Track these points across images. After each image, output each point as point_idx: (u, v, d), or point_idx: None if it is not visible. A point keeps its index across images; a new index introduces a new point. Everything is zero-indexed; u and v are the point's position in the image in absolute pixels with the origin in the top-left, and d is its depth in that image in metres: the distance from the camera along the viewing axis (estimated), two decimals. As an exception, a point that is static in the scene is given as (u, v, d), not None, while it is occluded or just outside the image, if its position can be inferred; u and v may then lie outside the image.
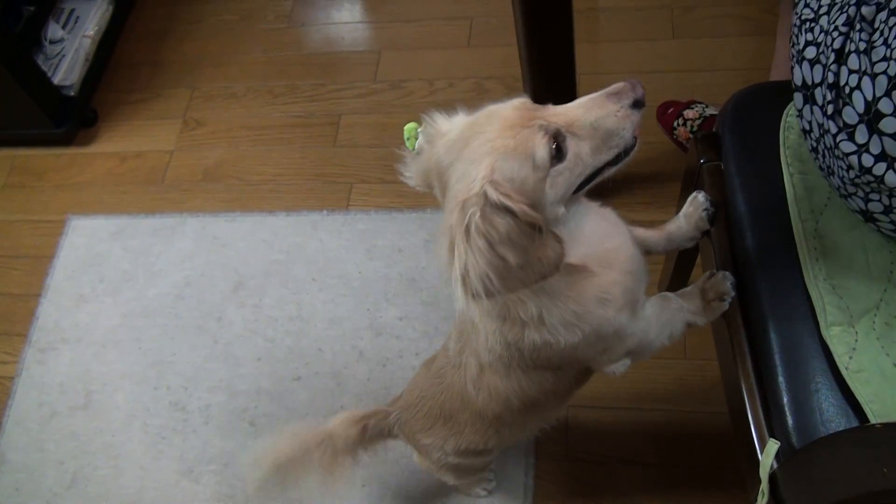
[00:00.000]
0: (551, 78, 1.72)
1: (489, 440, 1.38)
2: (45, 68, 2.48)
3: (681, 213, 1.32)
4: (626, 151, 0.98)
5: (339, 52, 2.58)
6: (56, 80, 2.51)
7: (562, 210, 0.96)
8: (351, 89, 2.47)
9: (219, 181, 2.37)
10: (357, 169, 2.30)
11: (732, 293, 1.20)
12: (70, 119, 2.52)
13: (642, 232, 1.30)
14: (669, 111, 2.09)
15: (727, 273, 1.21)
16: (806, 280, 1.12)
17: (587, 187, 0.99)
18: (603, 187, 1.03)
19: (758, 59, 2.18)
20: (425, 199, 0.98)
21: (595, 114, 0.94)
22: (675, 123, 2.06)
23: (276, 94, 2.52)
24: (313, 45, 2.62)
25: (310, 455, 1.43)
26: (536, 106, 0.96)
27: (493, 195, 0.88)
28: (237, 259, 2.20)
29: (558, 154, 0.92)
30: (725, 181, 1.29)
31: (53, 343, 2.17)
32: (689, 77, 2.22)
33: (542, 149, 0.90)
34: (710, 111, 2.03)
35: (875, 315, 1.08)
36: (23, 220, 2.44)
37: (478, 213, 0.87)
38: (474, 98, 2.34)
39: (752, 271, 1.18)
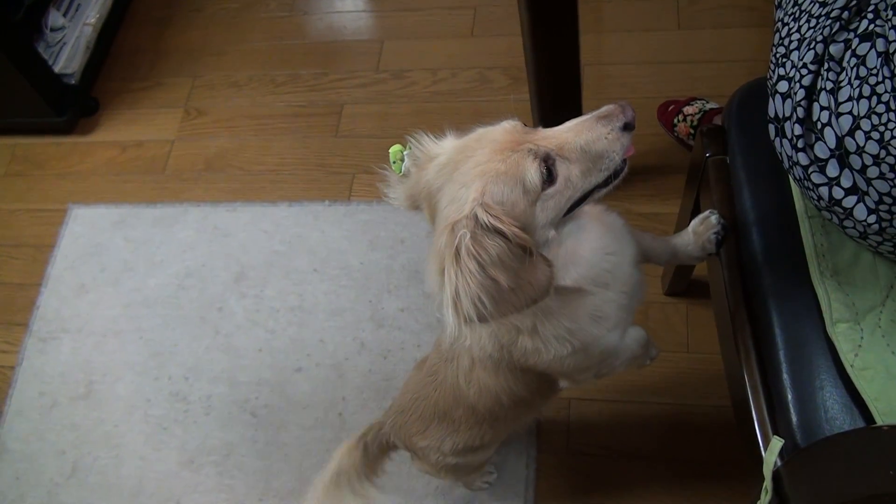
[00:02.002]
0: (555, 68, 1.71)
1: (485, 435, 1.38)
2: (45, 56, 2.47)
3: (689, 228, 1.31)
4: (616, 174, 0.98)
5: (341, 42, 2.56)
6: (57, 69, 2.50)
7: (552, 233, 0.96)
8: (353, 79, 2.45)
9: (220, 171, 2.36)
10: (359, 159, 2.29)
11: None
12: (71, 107, 2.51)
13: (649, 241, 1.30)
14: (670, 108, 2.08)
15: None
16: (812, 276, 1.11)
17: (577, 209, 0.99)
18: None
19: (763, 50, 2.16)
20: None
21: (585, 137, 0.94)
22: (675, 120, 2.05)
23: (278, 84, 2.50)
24: (316, 33, 2.61)
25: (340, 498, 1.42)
26: (527, 129, 0.96)
27: (484, 217, 0.87)
28: (238, 249, 2.19)
29: (549, 177, 0.92)
30: (731, 176, 1.28)
31: (54, 333, 2.17)
32: (693, 68, 2.21)
33: (532, 173, 0.90)
34: (710, 105, 2.02)
35: (881, 312, 1.07)
36: (23, 209, 2.43)
37: (468, 235, 0.87)
38: (477, 88, 2.33)
39: (757, 267, 1.17)
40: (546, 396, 1.36)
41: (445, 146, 0.99)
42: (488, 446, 1.46)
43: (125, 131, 2.52)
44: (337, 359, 1.98)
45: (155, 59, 2.65)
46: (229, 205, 2.28)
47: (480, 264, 0.86)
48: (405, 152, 1.04)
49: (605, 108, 0.96)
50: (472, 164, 0.92)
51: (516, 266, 0.89)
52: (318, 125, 2.39)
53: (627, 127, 0.96)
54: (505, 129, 0.95)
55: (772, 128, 1.09)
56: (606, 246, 1.11)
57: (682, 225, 1.56)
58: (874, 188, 0.94)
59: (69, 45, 2.53)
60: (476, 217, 0.88)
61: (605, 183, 0.99)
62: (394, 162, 1.05)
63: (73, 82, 2.52)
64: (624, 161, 0.98)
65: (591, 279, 1.07)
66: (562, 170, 0.93)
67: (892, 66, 0.87)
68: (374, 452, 1.46)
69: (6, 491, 1.96)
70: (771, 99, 1.08)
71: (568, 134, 0.95)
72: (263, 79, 2.53)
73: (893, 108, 0.87)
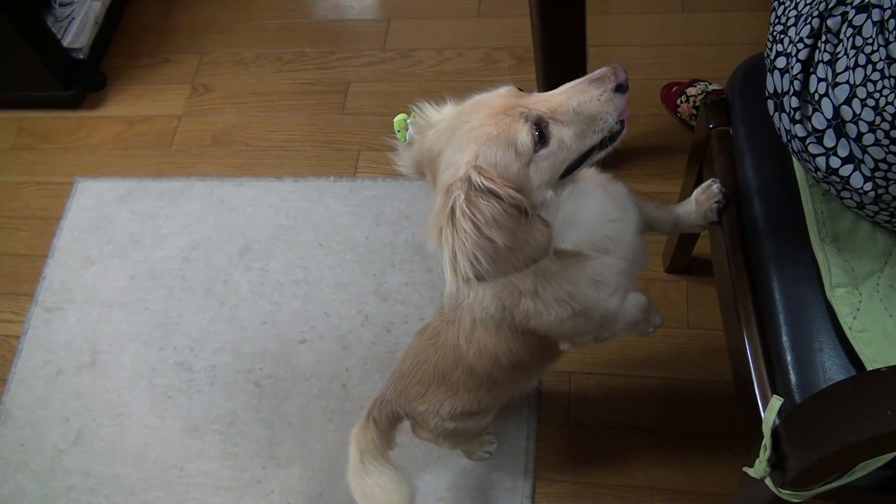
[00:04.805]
0: (562, 50, 1.72)
1: (482, 399, 1.40)
2: (54, 30, 2.48)
3: (692, 198, 1.33)
4: (614, 136, 1.01)
5: (347, 20, 2.58)
6: (65, 43, 2.51)
7: (549, 194, 0.99)
8: (359, 57, 2.47)
9: (227, 146, 2.38)
10: (365, 136, 2.31)
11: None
12: (79, 82, 2.53)
13: (652, 210, 1.33)
14: (673, 90, 2.11)
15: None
16: (812, 242, 1.14)
17: (576, 171, 1.02)
18: (609, 159, 1.05)
19: (766, 33, 2.19)
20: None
21: (577, 99, 0.97)
22: (678, 101, 2.07)
23: (285, 61, 2.52)
24: (322, 12, 2.63)
25: (375, 479, 1.43)
26: (521, 94, 0.99)
27: (477, 179, 0.91)
28: (244, 223, 2.21)
29: (541, 140, 0.95)
30: (733, 146, 1.30)
31: (60, 303, 2.19)
32: (697, 51, 2.23)
33: (523, 135, 0.93)
34: (713, 87, 2.05)
35: (879, 277, 1.10)
36: (30, 182, 2.45)
37: (462, 197, 0.90)
38: (483, 68, 2.35)
39: (758, 234, 1.19)
40: (545, 361, 1.38)
41: (445, 113, 1.03)
42: (486, 412, 1.49)
43: (132, 106, 2.54)
44: (341, 331, 2.00)
45: (163, 36, 2.67)
46: (235, 179, 2.30)
47: (475, 224, 0.89)
48: (409, 120, 1.07)
49: (597, 71, 0.99)
50: (467, 129, 0.95)
51: (512, 226, 0.92)
52: (324, 102, 2.41)
53: (620, 88, 0.98)
54: (500, 95, 0.99)
55: (770, 103, 1.12)
56: (608, 212, 1.13)
57: (684, 199, 1.59)
58: (870, 155, 0.97)
59: (78, 19, 2.55)
60: (469, 179, 0.91)
61: (602, 145, 1.01)
62: (398, 130, 1.09)
63: (82, 57, 2.54)
64: (621, 123, 1.01)
65: (591, 244, 1.10)
66: (555, 132, 0.96)
67: (887, 34, 0.89)
68: (384, 425, 1.49)
69: (10, 457, 1.98)
70: (769, 75, 1.11)
71: (561, 97, 0.98)
72: (270, 56, 2.54)
73: (888, 74, 0.90)
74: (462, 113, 0.99)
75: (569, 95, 0.98)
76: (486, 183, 0.90)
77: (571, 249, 1.08)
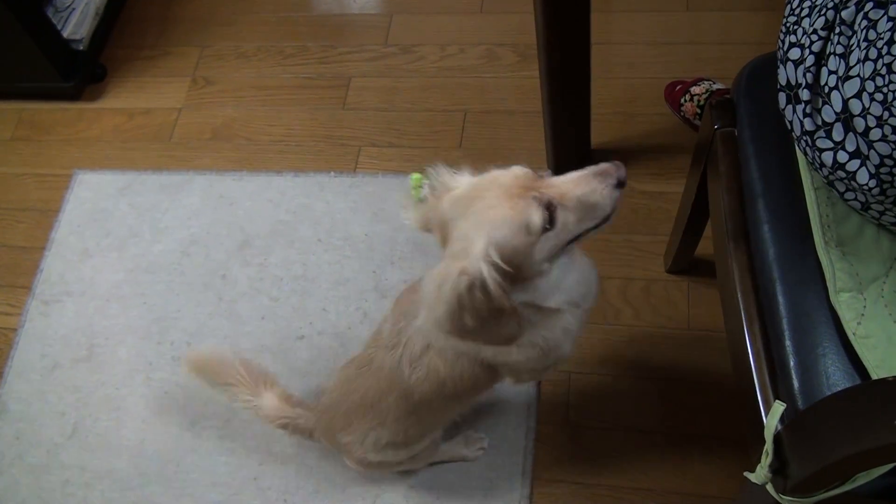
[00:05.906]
0: (565, 47, 1.71)
1: (409, 428, 1.47)
2: (54, 21, 2.47)
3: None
4: (606, 219, 1.11)
5: (350, 15, 2.57)
6: (65, 34, 2.49)
7: (546, 265, 1.10)
8: (361, 52, 2.46)
9: (227, 140, 2.37)
10: (366, 132, 2.30)
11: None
12: (79, 74, 2.51)
13: None
14: (677, 88, 2.10)
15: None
16: (817, 246, 1.13)
17: (570, 246, 1.12)
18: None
19: (769, 33, 2.18)
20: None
21: (583, 189, 1.07)
22: (682, 100, 2.07)
23: (287, 55, 2.51)
24: (324, 6, 2.61)
25: (233, 395, 1.65)
26: (534, 176, 1.09)
27: (485, 274, 1.02)
28: (243, 218, 2.20)
29: (550, 222, 1.05)
30: (739, 148, 1.29)
31: (57, 296, 2.18)
32: (700, 49, 2.22)
33: (535, 218, 1.03)
34: (717, 86, 2.04)
35: (884, 282, 1.09)
36: (29, 174, 2.44)
37: (465, 285, 1.01)
38: (485, 65, 2.34)
39: (762, 237, 1.18)
40: (479, 393, 1.45)
41: (461, 181, 1.12)
42: (410, 444, 1.53)
43: (132, 99, 2.52)
44: (339, 328, 1.99)
45: (163, 28, 2.66)
46: (235, 173, 2.29)
47: (461, 306, 1.03)
48: (424, 181, 1.16)
49: (602, 166, 1.08)
50: (484, 206, 1.04)
51: (486, 318, 1.05)
52: (325, 97, 2.39)
53: (620, 184, 1.08)
54: (515, 175, 1.07)
55: (783, 96, 1.11)
56: (584, 276, 1.27)
57: (687, 201, 1.58)
58: (875, 151, 0.96)
59: (78, 10, 2.53)
60: (478, 274, 1.01)
61: (596, 227, 1.11)
62: (413, 188, 1.19)
63: (82, 48, 2.52)
64: (612, 209, 1.11)
65: (570, 301, 1.23)
66: (560, 216, 1.06)
67: None
68: (293, 432, 1.64)
69: (6, 450, 1.97)
70: (782, 66, 1.10)
71: (569, 185, 1.07)
72: (272, 50, 2.53)
73: None
74: (478, 188, 1.07)
75: (575, 184, 1.07)
76: (487, 280, 1.01)
77: (555, 307, 1.20)
